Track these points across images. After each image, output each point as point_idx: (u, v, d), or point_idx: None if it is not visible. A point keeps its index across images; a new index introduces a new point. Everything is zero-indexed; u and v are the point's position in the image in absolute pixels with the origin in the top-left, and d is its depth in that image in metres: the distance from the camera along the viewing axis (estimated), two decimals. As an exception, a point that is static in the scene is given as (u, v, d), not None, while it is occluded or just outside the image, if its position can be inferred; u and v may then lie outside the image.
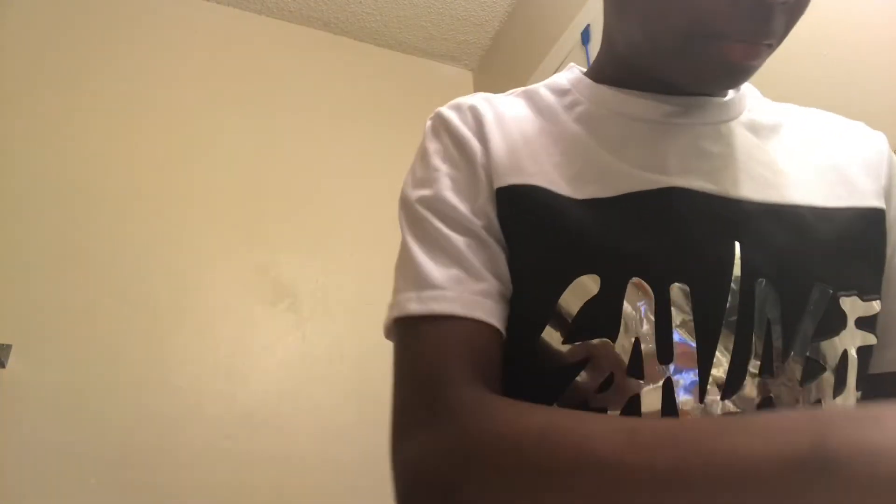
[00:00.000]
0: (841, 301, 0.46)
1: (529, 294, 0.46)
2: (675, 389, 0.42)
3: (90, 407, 1.58)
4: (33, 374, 1.57)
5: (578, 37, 1.73)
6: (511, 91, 0.59)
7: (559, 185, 0.49)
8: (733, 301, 0.44)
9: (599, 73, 0.56)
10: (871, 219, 0.51)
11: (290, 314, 1.87)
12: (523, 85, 0.61)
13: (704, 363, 0.43)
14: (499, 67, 2.27)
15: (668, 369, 0.43)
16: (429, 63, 2.40)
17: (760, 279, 0.44)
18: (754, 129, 0.53)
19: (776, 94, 0.60)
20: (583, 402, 0.44)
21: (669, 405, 0.42)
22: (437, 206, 0.49)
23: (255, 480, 1.64)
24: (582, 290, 0.44)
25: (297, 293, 1.89)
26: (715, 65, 0.46)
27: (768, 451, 0.30)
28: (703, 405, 0.42)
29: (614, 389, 0.43)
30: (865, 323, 0.47)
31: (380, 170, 2.06)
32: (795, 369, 0.44)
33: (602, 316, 0.43)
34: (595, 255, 0.45)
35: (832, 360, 0.45)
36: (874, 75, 0.93)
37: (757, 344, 0.44)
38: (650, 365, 0.43)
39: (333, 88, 2.19)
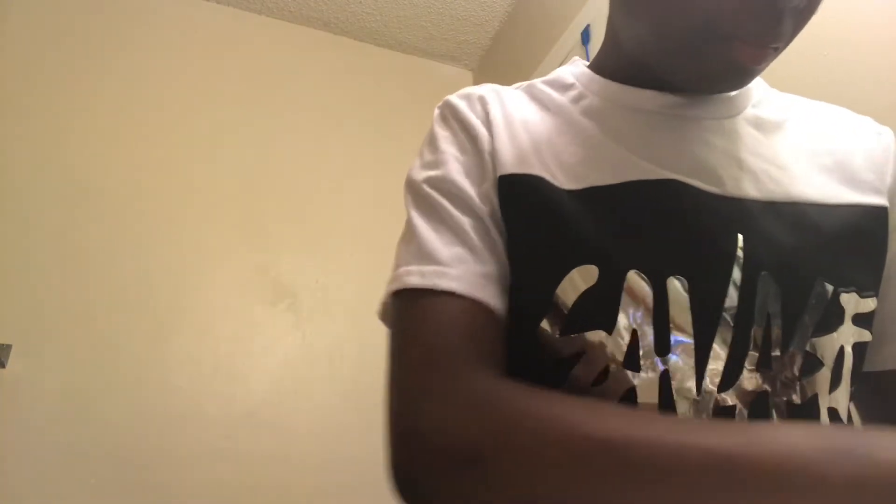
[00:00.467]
0: (841, 297, 0.46)
1: (526, 285, 0.46)
2: (672, 382, 0.42)
3: (90, 407, 1.58)
4: (33, 374, 1.57)
5: (578, 37, 1.73)
6: (516, 84, 0.59)
7: (560, 175, 0.49)
8: (733, 294, 0.44)
9: (603, 67, 0.56)
10: (874, 217, 0.51)
11: (290, 314, 1.87)
12: (524, 85, 0.61)
13: (702, 356, 0.43)
14: (499, 67, 2.27)
15: (664, 361, 0.43)
16: (429, 63, 2.40)
17: (763, 273, 0.44)
18: (758, 124, 0.53)
19: (776, 94, 0.60)
20: (579, 395, 0.43)
21: (666, 397, 0.42)
22: (445, 186, 0.49)
23: (255, 480, 1.64)
24: (579, 282, 0.44)
25: (297, 293, 1.90)
26: (721, 66, 0.46)
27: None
28: (699, 398, 0.42)
29: (610, 382, 0.43)
30: (862, 320, 0.48)
31: (380, 170, 2.06)
32: (793, 364, 0.44)
33: (598, 308, 0.43)
34: (593, 246, 0.45)
35: (829, 355, 0.45)
36: (875, 76, 0.93)
37: (756, 337, 0.44)
38: (647, 357, 0.43)
39: (333, 88, 2.19)
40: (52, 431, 1.54)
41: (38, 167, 1.75)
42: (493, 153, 0.50)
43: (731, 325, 0.43)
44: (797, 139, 0.54)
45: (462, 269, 0.45)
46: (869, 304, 0.48)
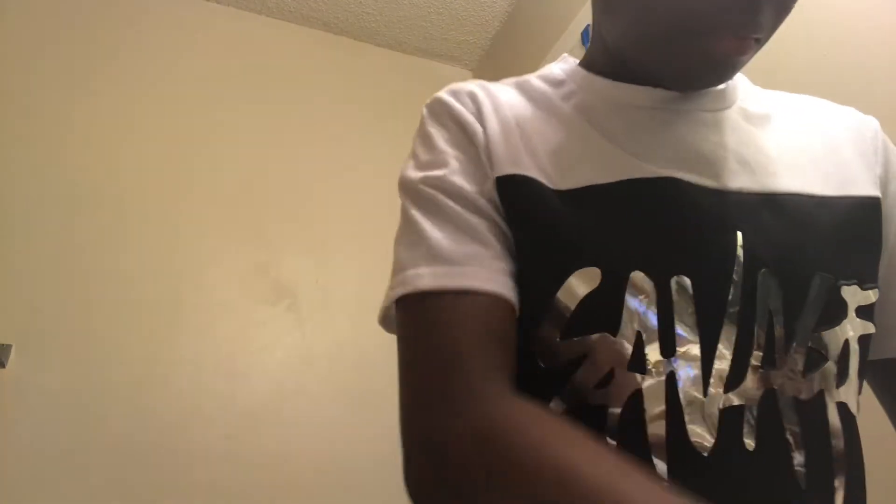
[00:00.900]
0: (842, 290, 0.46)
1: (527, 288, 0.46)
2: (678, 383, 0.42)
3: (90, 407, 1.58)
4: (33, 374, 1.57)
5: (578, 37, 1.73)
6: (504, 80, 0.58)
7: (555, 176, 0.48)
8: (735, 292, 0.43)
9: (592, 64, 0.55)
10: (868, 207, 0.50)
11: (290, 314, 1.87)
12: (524, 85, 0.60)
13: (707, 356, 0.42)
14: (498, 68, 2.27)
15: (670, 363, 0.42)
16: (428, 63, 2.40)
17: (763, 269, 0.44)
18: (747, 118, 0.53)
19: (776, 93, 0.60)
20: (581, 400, 0.43)
21: (672, 399, 0.42)
22: (447, 187, 0.48)
23: (255, 480, 1.64)
24: (581, 285, 0.43)
25: (297, 293, 1.90)
26: (703, 60, 0.45)
27: None
28: (705, 399, 0.42)
29: (615, 385, 0.42)
30: (865, 312, 0.47)
31: (380, 169, 2.06)
32: (798, 360, 0.44)
33: (601, 310, 0.43)
34: (594, 248, 0.44)
35: (834, 350, 0.45)
36: (875, 76, 0.94)
37: (759, 335, 0.43)
38: (653, 359, 0.42)
39: (333, 88, 2.19)
40: (53, 431, 1.54)
41: (37, 167, 1.75)
42: (489, 152, 0.49)
43: (735, 324, 0.43)
44: (786, 132, 0.53)
45: (478, 265, 0.44)
46: (870, 296, 0.48)
